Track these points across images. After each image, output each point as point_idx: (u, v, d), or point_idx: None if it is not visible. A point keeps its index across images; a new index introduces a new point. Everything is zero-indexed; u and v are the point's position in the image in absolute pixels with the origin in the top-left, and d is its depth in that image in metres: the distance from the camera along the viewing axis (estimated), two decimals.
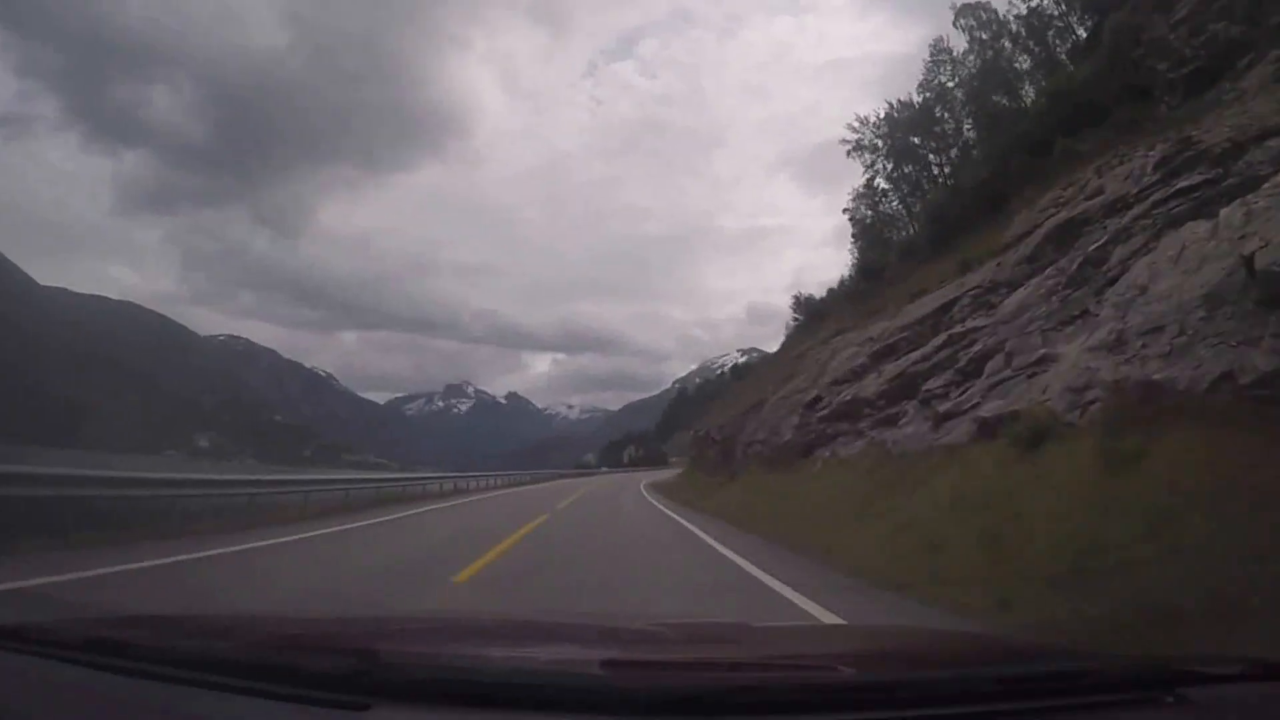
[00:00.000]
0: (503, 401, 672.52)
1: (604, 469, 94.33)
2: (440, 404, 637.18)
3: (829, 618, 4.93)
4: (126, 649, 1.64)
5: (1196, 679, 1.43)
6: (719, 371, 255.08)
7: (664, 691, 1.38)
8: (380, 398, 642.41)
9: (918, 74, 42.10)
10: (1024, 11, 37.47)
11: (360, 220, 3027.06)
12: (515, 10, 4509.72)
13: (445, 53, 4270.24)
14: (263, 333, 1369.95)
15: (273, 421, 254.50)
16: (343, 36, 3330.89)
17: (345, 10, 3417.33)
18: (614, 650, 1.84)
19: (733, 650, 1.99)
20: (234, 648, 1.69)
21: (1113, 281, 9.82)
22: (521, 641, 2.17)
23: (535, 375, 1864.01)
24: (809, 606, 5.30)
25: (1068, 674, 1.49)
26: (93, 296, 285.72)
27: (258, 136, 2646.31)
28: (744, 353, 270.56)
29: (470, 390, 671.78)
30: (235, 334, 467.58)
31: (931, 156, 43.90)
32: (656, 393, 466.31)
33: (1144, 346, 7.82)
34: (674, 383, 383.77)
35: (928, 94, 43.41)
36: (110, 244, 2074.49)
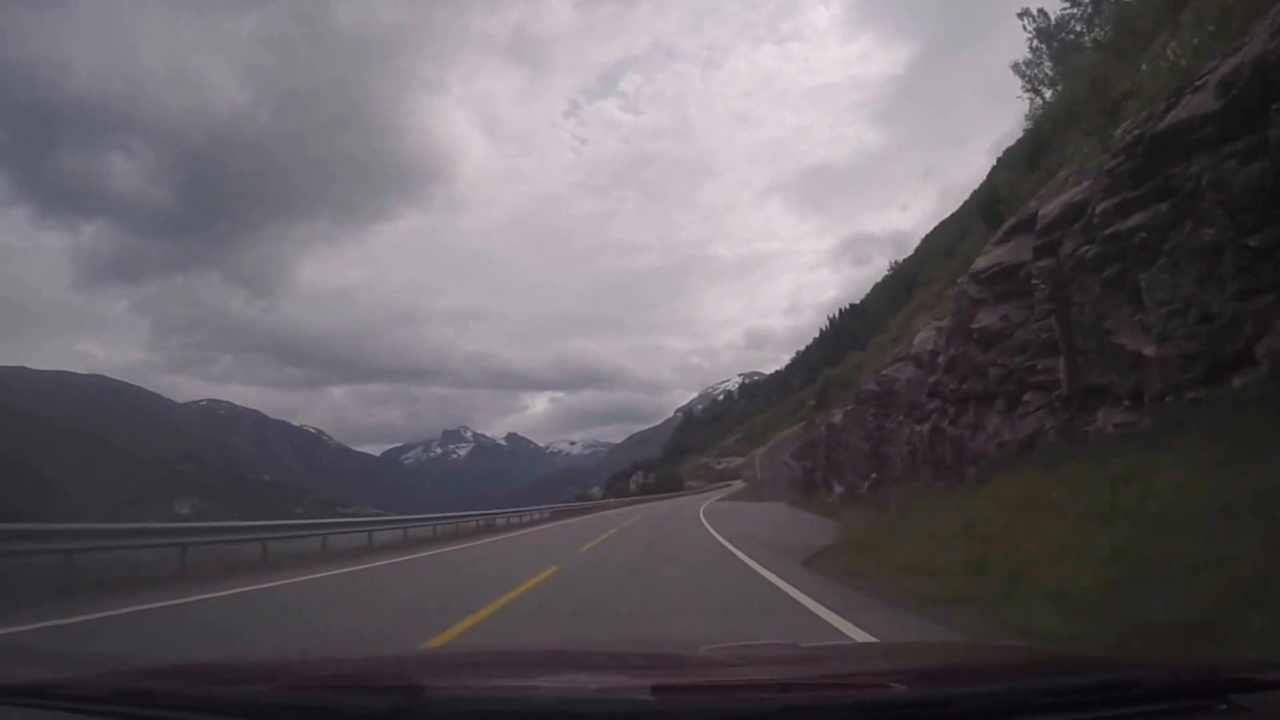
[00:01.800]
0: (502, 443, 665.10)
1: (610, 500, 71.36)
2: (438, 450, 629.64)
3: None
4: (161, 699, 1.61)
5: (1249, 686, 1.39)
6: (720, 396, 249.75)
7: (716, 714, 1.37)
8: (375, 450, 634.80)
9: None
10: None
11: (342, 273, 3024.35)
12: (491, 51, 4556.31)
13: (420, 98, 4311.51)
14: (246, 395, 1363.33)
15: (261, 482, 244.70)
16: (310, 88, 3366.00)
17: (310, 61, 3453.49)
18: (663, 675, 1.82)
19: (782, 671, 1.95)
20: (273, 690, 1.66)
21: None
22: (569, 670, 2.12)
23: (534, 414, 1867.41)
24: None
25: (1119, 684, 1.47)
26: (57, 373, 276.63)
27: (226, 196, 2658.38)
28: (745, 376, 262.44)
29: (468, 434, 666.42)
30: (216, 398, 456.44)
31: None
32: (659, 423, 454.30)
33: None
34: (676, 411, 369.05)
35: None
36: (74, 319, 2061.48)
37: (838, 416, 27.44)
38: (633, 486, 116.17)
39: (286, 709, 1.49)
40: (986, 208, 23.28)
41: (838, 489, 24.57)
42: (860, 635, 5.13)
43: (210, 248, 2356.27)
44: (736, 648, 2.55)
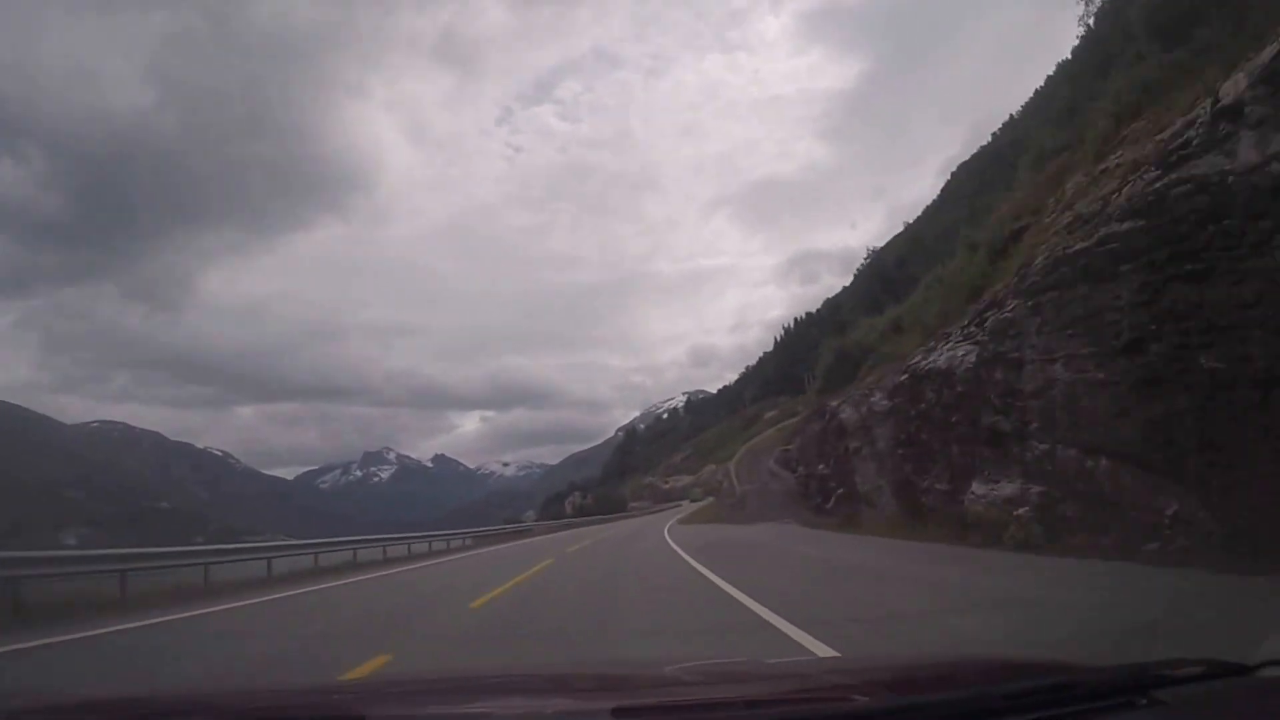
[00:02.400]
0: (429, 465, 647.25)
1: (538, 524, 55.37)
2: (359, 473, 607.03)
3: None
4: None
5: (1166, 682, 1.54)
6: (664, 414, 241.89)
7: None
8: (289, 473, 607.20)
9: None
10: None
11: (252, 286, 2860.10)
12: (416, 53, 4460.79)
13: (341, 102, 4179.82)
14: (144, 416, 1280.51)
15: (157, 509, 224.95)
16: (220, 89, 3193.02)
17: (220, 62, 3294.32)
18: (624, 697, 1.77)
19: (745, 688, 1.94)
20: None
21: None
22: (526, 694, 2.05)
23: (464, 435, 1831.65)
24: None
25: (1059, 686, 1.58)
26: None
27: (125, 204, 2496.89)
28: (689, 395, 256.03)
29: (391, 456, 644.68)
30: (110, 419, 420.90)
31: None
32: (599, 442, 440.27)
33: None
34: (617, 430, 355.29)
35: None
36: None
37: (939, 356, 15.48)
38: (568, 509, 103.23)
39: None
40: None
41: (977, 492, 12.93)
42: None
43: (107, 258, 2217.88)
44: (701, 666, 2.53)
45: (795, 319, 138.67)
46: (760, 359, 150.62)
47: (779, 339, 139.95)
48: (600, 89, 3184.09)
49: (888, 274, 79.83)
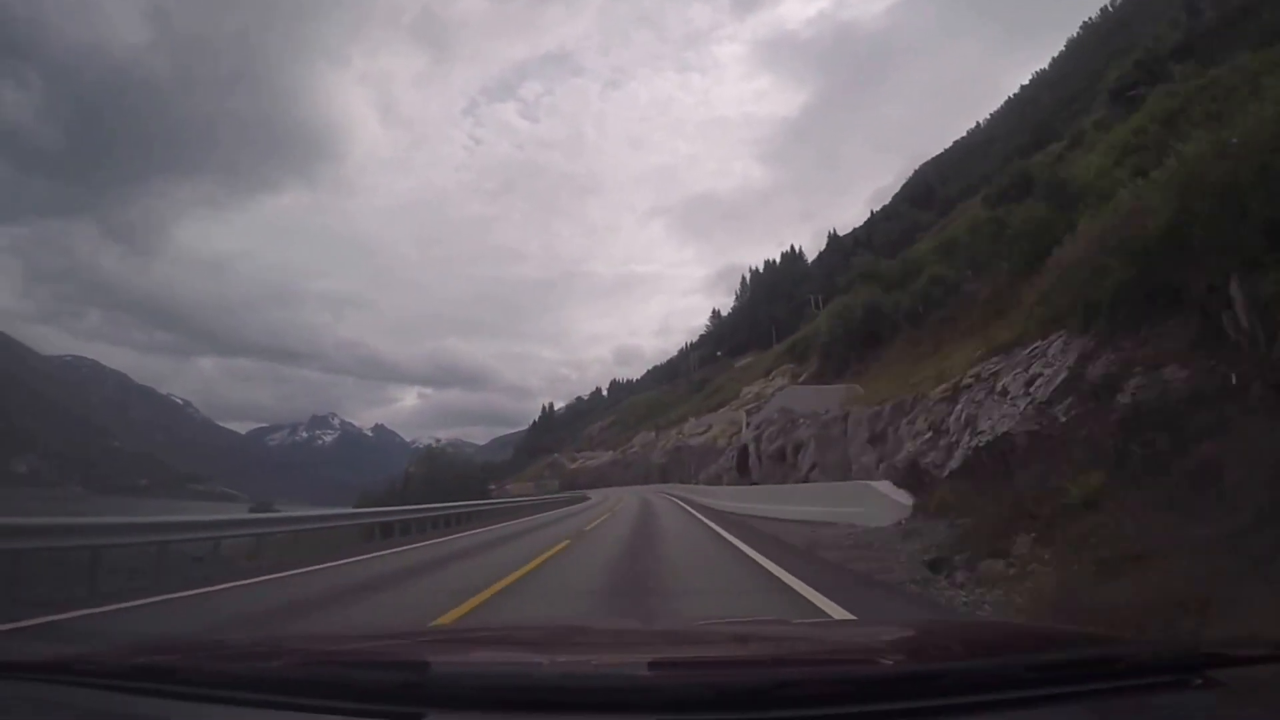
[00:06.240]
0: (369, 434, 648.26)
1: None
2: (304, 435, 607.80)
3: None
4: (174, 674, 1.64)
5: (1224, 661, 1.44)
6: (584, 396, 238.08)
7: (711, 689, 1.40)
8: (242, 427, 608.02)
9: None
10: None
11: (221, 241, 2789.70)
12: (396, 28, 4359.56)
13: (321, 67, 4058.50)
14: (113, 356, 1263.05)
15: (109, 448, 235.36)
16: (211, 38, 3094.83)
17: (215, 9, 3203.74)
18: (661, 651, 1.87)
19: (776, 647, 2.03)
20: (284, 666, 1.69)
21: None
22: (569, 647, 2.16)
23: (402, 408, 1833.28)
24: None
25: (1100, 659, 1.51)
26: None
27: (112, 143, 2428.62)
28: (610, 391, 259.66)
29: (336, 422, 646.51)
30: (82, 355, 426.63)
31: None
32: (524, 427, 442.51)
33: None
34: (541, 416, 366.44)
35: None
36: None
37: None
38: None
39: (298, 684, 1.53)
40: None
41: None
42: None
43: (91, 195, 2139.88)
44: (731, 624, 2.61)
45: (766, 262, 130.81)
46: (710, 324, 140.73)
47: (739, 294, 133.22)
48: (560, 93, 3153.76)
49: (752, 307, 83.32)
